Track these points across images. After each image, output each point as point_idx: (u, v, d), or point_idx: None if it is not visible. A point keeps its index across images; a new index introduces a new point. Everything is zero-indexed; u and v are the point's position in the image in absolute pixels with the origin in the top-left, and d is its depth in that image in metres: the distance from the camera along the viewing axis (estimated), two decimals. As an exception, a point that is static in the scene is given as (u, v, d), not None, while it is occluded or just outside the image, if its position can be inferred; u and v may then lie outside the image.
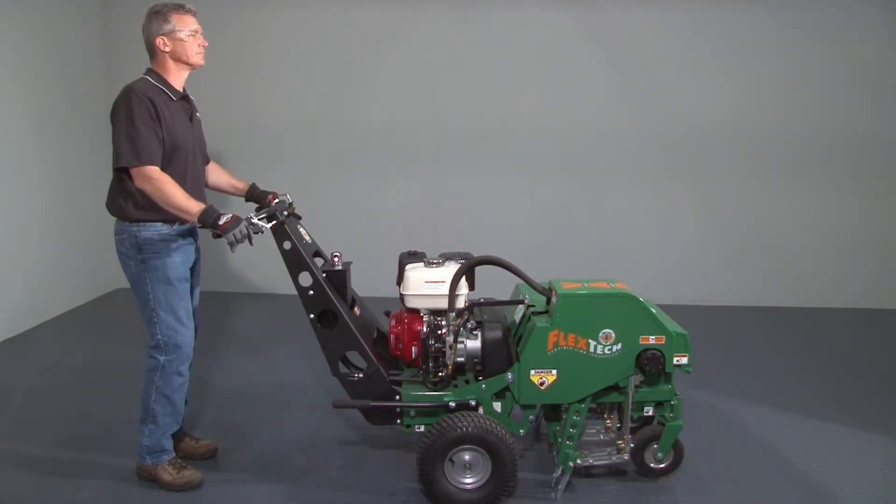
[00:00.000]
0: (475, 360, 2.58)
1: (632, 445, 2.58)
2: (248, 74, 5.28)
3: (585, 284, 2.52)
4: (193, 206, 2.39)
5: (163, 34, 2.51)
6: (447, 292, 2.48)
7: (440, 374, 2.56)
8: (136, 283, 2.54)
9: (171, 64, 2.55)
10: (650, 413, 2.59)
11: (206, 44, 2.62)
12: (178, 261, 2.55)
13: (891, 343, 4.54)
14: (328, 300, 2.53)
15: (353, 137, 5.32)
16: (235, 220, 2.36)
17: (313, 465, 2.81)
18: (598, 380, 2.45)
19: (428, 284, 2.53)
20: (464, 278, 2.52)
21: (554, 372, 2.44)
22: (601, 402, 2.59)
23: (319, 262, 2.69)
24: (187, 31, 2.54)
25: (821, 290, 5.28)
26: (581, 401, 2.48)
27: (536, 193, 5.32)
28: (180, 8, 2.55)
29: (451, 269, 2.55)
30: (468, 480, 2.45)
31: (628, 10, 5.03)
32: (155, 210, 2.45)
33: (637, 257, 5.28)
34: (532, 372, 2.45)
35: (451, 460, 2.43)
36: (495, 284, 2.94)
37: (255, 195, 2.85)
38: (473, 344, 2.56)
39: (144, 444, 2.61)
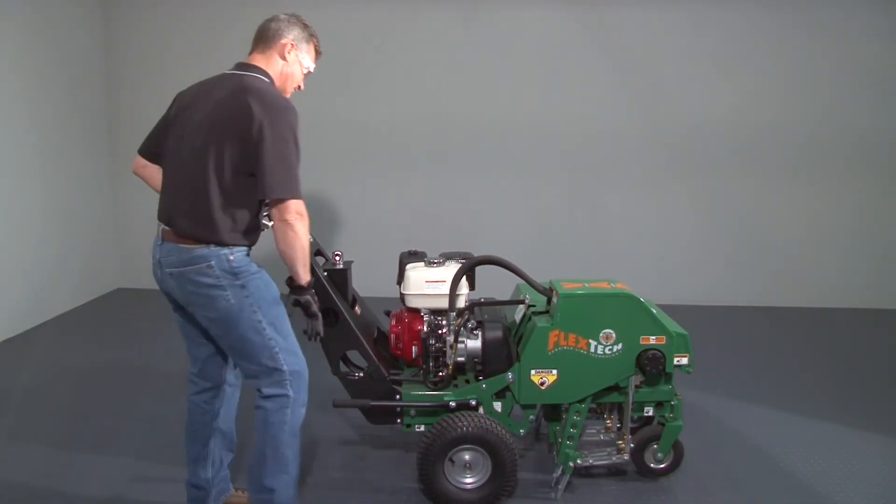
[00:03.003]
0: (476, 359, 2.58)
1: (632, 445, 2.58)
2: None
3: (586, 284, 2.53)
4: (306, 272, 2.12)
5: (295, 44, 2.23)
6: (448, 292, 2.49)
7: (440, 373, 2.57)
8: (238, 316, 2.07)
9: (277, 73, 2.23)
10: (650, 413, 2.59)
11: (302, 89, 2.35)
12: (269, 277, 2.19)
13: (891, 343, 4.54)
14: (329, 299, 2.52)
15: (352, 137, 5.32)
16: (314, 309, 2.19)
17: (313, 465, 2.81)
18: (598, 380, 2.45)
19: (428, 284, 2.53)
20: (464, 278, 2.52)
21: (554, 372, 2.44)
22: (601, 403, 2.59)
23: (321, 260, 2.69)
24: (308, 64, 2.31)
25: (821, 290, 5.28)
26: (581, 401, 2.48)
27: (536, 193, 5.32)
28: (317, 46, 2.34)
29: (452, 268, 2.55)
30: (468, 480, 2.45)
31: (628, 10, 5.03)
32: (247, 236, 2.12)
33: (637, 257, 5.29)
34: (532, 372, 2.45)
35: (451, 460, 2.43)
36: (495, 284, 2.94)
37: None
38: (474, 344, 2.56)
39: (287, 496, 2.20)
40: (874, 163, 5.11)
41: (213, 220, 2.03)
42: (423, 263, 2.62)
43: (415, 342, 2.60)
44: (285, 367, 2.13)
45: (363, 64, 5.22)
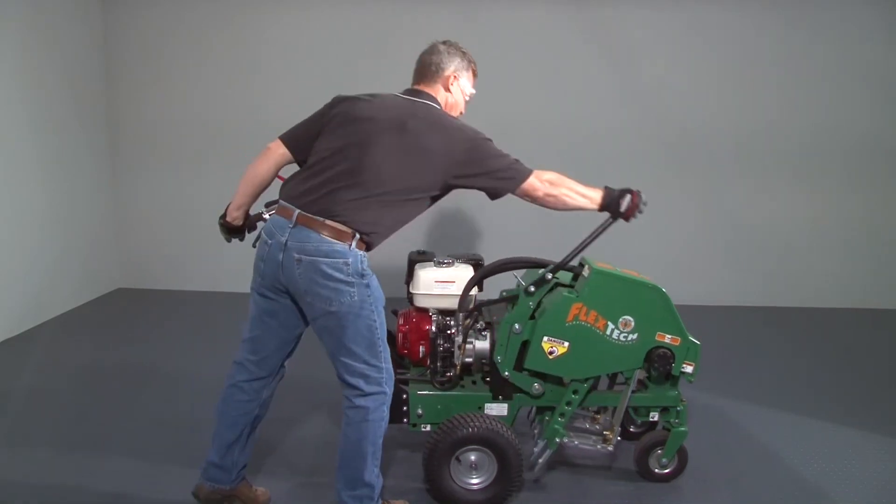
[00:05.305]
0: (483, 360, 2.58)
1: (618, 438, 2.57)
2: (248, 74, 5.25)
3: (618, 269, 2.51)
4: (593, 192, 2.35)
5: (457, 75, 2.38)
6: (457, 292, 2.48)
7: (448, 374, 2.56)
8: (358, 314, 2.14)
9: (442, 104, 2.38)
10: (655, 419, 2.59)
11: (463, 114, 2.47)
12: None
13: (891, 343, 4.56)
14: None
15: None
16: (636, 196, 2.43)
17: (317, 465, 2.80)
18: (606, 363, 2.44)
19: (438, 284, 2.53)
20: (472, 278, 2.53)
21: (566, 344, 2.41)
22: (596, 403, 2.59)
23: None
24: (469, 90, 2.47)
25: (821, 290, 5.30)
26: (584, 380, 2.46)
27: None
28: (475, 69, 2.48)
29: (461, 269, 2.56)
30: (474, 481, 2.45)
31: (628, 10, 5.04)
32: (378, 242, 2.24)
33: (637, 257, 5.27)
34: (545, 338, 2.41)
35: (457, 459, 2.42)
36: (505, 284, 2.93)
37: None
38: (482, 344, 2.56)
39: (380, 484, 2.32)
40: (874, 163, 5.13)
41: (376, 220, 2.14)
42: (432, 263, 2.62)
43: (422, 342, 2.59)
44: (384, 365, 2.19)
45: (363, 64, 5.21)
